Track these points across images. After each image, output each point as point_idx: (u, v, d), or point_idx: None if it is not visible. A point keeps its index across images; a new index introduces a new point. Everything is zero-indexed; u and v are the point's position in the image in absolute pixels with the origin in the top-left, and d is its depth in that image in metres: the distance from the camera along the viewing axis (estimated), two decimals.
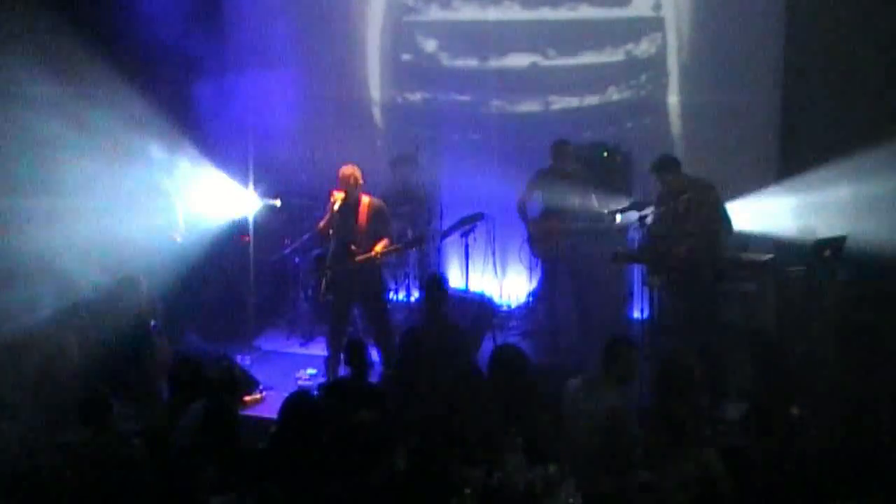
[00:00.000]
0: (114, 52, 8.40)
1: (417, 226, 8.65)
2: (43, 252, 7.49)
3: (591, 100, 9.27)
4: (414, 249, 8.57)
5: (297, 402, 5.13)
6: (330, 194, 7.50)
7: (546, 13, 9.32)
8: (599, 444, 5.05)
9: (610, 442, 5.01)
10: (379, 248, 7.44)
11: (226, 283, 9.17)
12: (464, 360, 6.33)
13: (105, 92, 8.29)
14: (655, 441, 4.88)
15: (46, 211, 7.86)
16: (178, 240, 8.14)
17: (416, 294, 8.90)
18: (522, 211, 8.39)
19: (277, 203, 8.91)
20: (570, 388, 5.42)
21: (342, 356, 6.58)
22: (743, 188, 7.97)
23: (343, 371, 6.80)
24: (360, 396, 5.68)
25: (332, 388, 6.06)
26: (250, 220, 8.94)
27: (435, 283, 6.60)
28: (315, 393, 6.91)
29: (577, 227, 8.12)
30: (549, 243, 8.31)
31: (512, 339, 8.39)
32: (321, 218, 7.66)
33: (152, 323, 6.95)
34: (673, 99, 9.00)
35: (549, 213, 8.33)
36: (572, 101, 9.34)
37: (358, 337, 7.03)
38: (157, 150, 8.54)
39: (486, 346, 8.10)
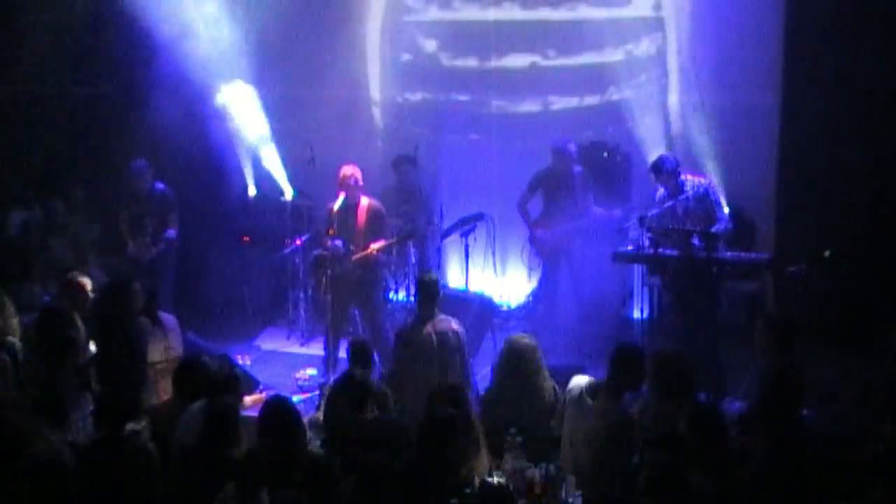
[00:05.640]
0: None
1: (417, 225, 8.65)
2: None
3: (591, 100, 9.26)
4: (412, 247, 8.58)
5: (276, 408, 5.11)
6: (336, 195, 7.52)
7: (546, 13, 9.32)
8: (603, 448, 5.03)
9: (614, 447, 4.99)
10: (375, 245, 7.46)
11: (226, 283, 9.18)
12: (459, 358, 6.31)
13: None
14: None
15: None
16: None
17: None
18: (524, 210, 8.39)
19: None
20: (575, 387, 5.39)
21: (346, 356, 6.57)
22: (743, 188, 7.98)
23: (341, 371, 6.78)
24: (366, 395, 5.67)
25: (336, 388, 6.02)
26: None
27: (427, 281, 6.60)
28: (316, 393, 6.94)
29: (578, 227, 8.12)
30: (550, 243, 8.31)
31: None
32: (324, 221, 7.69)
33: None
34: (673, 99, 9.00)
35: (549, 212, 8.33)
36: (572, 101, 9.34)
37: (362, 337, 7.04)
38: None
39: (486, 347, 8.11)
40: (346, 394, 5.71)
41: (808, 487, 4.59)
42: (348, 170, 7.53)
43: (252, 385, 7.22)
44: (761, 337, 5.67)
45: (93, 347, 6.60)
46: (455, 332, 6.33)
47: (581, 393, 5.31)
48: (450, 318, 6.44)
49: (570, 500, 4.83)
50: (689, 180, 7.36)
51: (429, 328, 6.30)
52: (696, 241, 7.02)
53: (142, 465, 4.95)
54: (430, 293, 6.43)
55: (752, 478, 4.62)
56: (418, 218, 8.65)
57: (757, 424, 5.25)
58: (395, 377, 6.34)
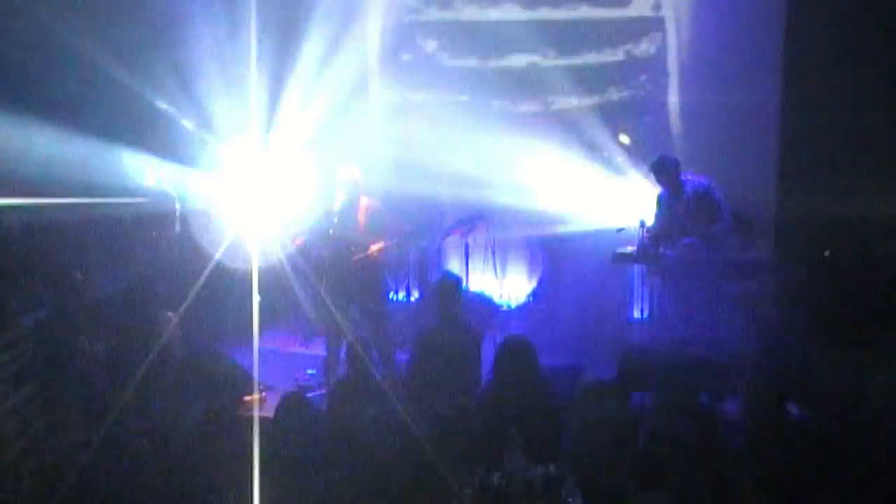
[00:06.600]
0: None
1: (417, 226, 8.65)
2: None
3: (591, 100, 9.27)
4: (411, 246, 8.59)
5: (293, 404, 5.14)
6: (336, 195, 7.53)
7: (546, 13, 9.33)
8: (607, 450, 5.03)
9: (620, 447, 4.99)
10: (375, 247, 7.47)
11: (226, 283, 9.17)
12: (476, 359, 6.32)
13: None
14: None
15: None
16: None
17: (416, 294, 8.91)
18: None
19: None
20: (581, 387, 5.39)
21: (342, 356, 6.59)
22: (743, 188, 7.98)
23: (342, 371, 6.80)
24: (364, 396, 5.69)
25: (337, 388, 6.05)
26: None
27: (449, 283, 6.61)
28: (317, 392, 6.95)
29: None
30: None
31: None
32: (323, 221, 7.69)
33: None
34: (673, 99, 9.01)
35: None
36: (572, 101, 9.34)
37: (360, 336, 7.05)
38: None
39: (486, 347, 8.11)
40: (348, 392, 5.72)
41: (806, 487, 4.59)
42: (348, 170, 7.53)
43: (252, 385, 7.22)
44: (750, 338, 5.69)
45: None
46: (475, 332, 6.37)
47: (588, 393, 5.31)
48: (467, 318, 6.46)
49: (570, 500, 4.83)
50: (690, 180, 7.37)
51: (451, 329, 6.32)
52: (696, 241, 7.02)
53: (139, 464, 4.97)
54: (453, 295, 6.45)
55: (751, 477, 4.63)
56: (420, 218, 8.66)
57: (750, 425, 5.27)
58: (414, 377, 6.36)
